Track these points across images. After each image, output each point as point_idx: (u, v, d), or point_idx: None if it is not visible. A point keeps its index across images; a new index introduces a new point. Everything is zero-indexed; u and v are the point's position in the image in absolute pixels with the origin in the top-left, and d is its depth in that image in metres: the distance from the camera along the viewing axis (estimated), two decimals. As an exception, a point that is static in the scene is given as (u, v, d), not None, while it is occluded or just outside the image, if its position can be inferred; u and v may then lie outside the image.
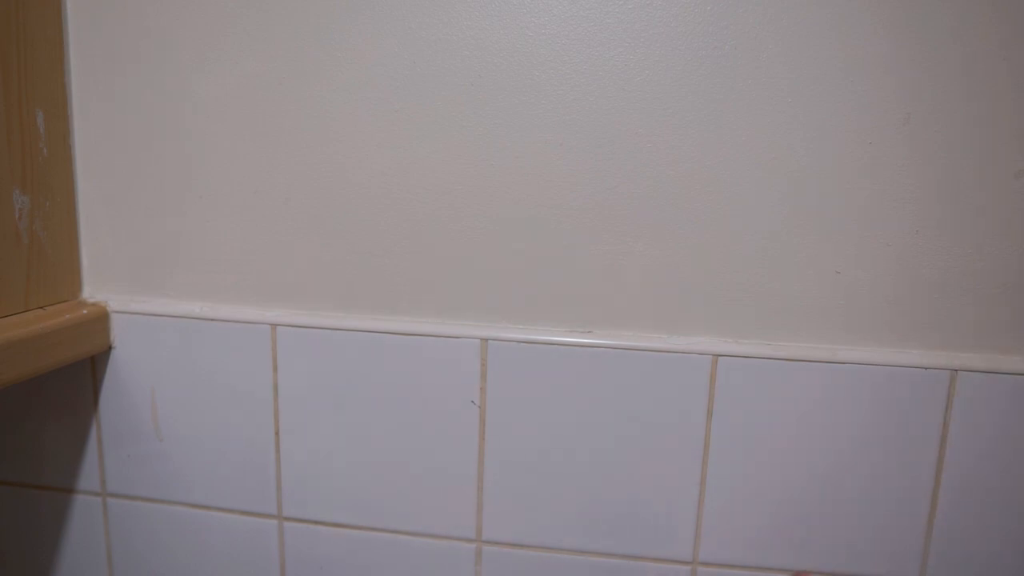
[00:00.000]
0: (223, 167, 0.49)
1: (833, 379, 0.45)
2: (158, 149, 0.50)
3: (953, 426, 0.44)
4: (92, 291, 0.53)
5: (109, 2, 0.48)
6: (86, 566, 0.57)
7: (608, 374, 0.47)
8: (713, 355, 0.46)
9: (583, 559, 0.49)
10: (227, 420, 0.51)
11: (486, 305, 0.48)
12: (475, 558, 0.50)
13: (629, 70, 0.44)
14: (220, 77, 0.48)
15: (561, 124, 0.45)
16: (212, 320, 0.50)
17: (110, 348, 0.52)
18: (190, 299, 0.51)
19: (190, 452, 0.53)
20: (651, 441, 0.47)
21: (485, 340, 0.47)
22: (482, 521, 0.50)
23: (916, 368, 0.44)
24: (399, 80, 0.46)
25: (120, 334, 0.52)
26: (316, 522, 0.52)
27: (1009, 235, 0.43)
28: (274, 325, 0.50)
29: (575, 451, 0.48)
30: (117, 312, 0.51)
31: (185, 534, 0.54)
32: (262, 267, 0.50)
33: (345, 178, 0.48)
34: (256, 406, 0.51)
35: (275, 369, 0.50)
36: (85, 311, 0.50)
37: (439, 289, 0.48)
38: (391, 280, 0.49)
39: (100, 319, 0.50)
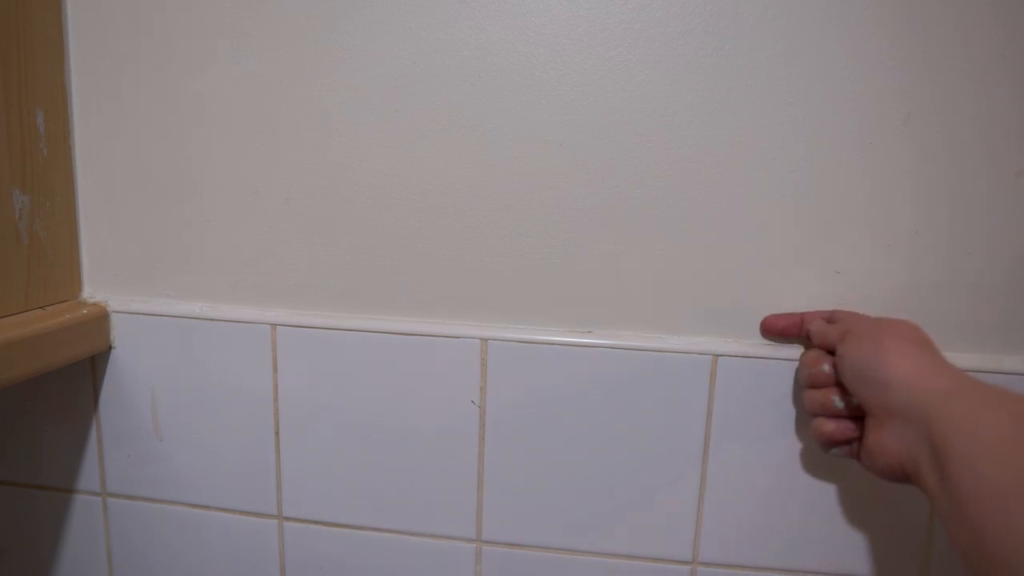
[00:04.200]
0: (223, 167, 0.49)
1: (833, 379, 0.45)
2: (158, 149, 0.50)
3: (953, 426, 0.44)
4: (92, 291, 0.53)
5: (109, 2, 0.48)
6: (86, 566, 0.57)
7: (608, 374, 0.47)
8: (713, 355, 0.46)
9: (583, 559, 0.49)
10: (227, 420, 0.51)
11: (486, 305, 0.48)
12: (475, 558, 0.50)
13: (629, 70, 0.44)
14: (220, 77, 0.48)
15: (561, 124, 0.45)
16: (212, 320, 0.50)
17: (110, 348, 0.52)
18: (190, 299, 0.51)
19: (190, 452, 0.53)
20: (651, 441, 0.47)
21: (485, 340, 0.47)
22: (482, 521, 0.50)
23: (916, 368, 0.44)
24: (399, 80, 0.46)
25: (120, 334, 0.52)
26: (316, 522, 0.52)
27: (1009, 235, 0.43)
28: (274, 325, 0.50)
29: (575, 451, 0.48)
30: (117, 312, 0.51)
31: (185, 534, 0.54)
32: (262, 267, 0.50)
33: (345, 178, 0.48)
34: (256, 406, 0.51)
35: (275, 369, 0.50)
36: (85, 311, 0.50)
37: (439, 289, 0.48)
38: (391, 280, 0.49)
39: (100, 319, 0.50)
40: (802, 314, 0.44)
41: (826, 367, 0.39)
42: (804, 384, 0.42)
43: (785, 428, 0.46)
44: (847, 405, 0.39)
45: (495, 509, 0.49)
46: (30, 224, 0.46)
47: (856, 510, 0.46)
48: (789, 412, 0.46)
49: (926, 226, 0.43)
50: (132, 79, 0.49)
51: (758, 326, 0.46)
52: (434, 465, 0.50)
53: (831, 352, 0.40)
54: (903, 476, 0.34)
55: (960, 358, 0.44)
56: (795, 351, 0.45)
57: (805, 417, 0.45)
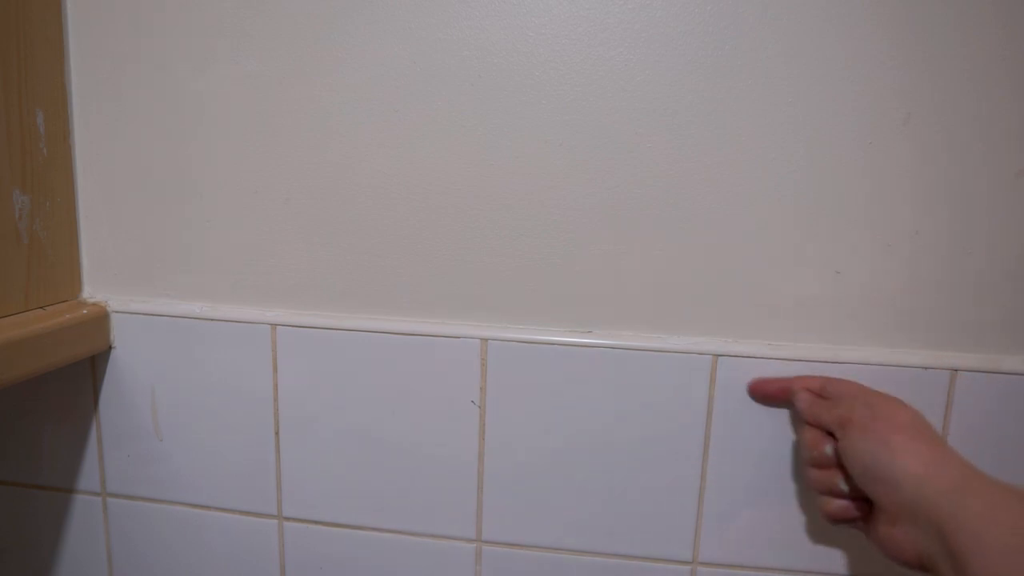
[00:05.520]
0: (223, 167, 0.49)
1: (833, 379, 0.45)
2: (158, 149, 0.50)
3: (952, 426, 0.44)
4: (92, 291, 0.53)
5: (109, 2, 0.48)
6: (86, 566, 0.57)
7: (608, 374, 0.47)
8: (713, 355, 0.46)
9: (583, 559, 0.49)
10: (227, 420, 0.51)
11: (486, 305, 0.48)
12: (475, 558, 0.50)
13: (629, 70, 0.44)
14: (220, 77, 0.48)
15: (561, 124, 0.45)
16: (212, 320, 0.50)
17: (110, 348, 0.52)
18: (190, 299, 0.51)
19: (190, 452, 0.53)
20: (651, 441, 0.47)
21: (485, 340, 0.47)
22: (482, 521, 0.50)
23: (916, 368, 0.44)
24: (399, 80, 0.46)
25: (120, 334, 0.52)
26: (316, 522, 0.52)
27: (1009, 235, 0.43)
28: (274, 325, 0.50)
29: (575, 451, 0.48)
30: (117, 312, 0.51)
31: (185, 534, 0.54)
32: (262, 267, 0.50)
33: (345, 178, 0.48)
34: (256, 406, 0.51)
35: (275, 369, 0.50)
36: (85, 311, 0.50)
37: (439, 289, 0.48)
38: (391, 280, 0.49)
39: (100, 319, 0.50)
40: (791, 380, 0.43)
41: (828, 449, 0.39)
42: (807, 463, 0.41)
43: (785, 428, 0.46)
44: (852, 488, 0.38)
45: (495, 509, 0.49)
46: (30, 224, 0.46)
47: (856, 510, 0.46)
48: (789, 412, 0.46)
49: (926, 226, 0.43)
50: (132, 79, 0.49)
51: (758, 326, 0.46)
52: (434, 465, 0.50)
53: (825, 433, 0.40)
54: (918, 568, 0.34)
55: (960, 358, 0.44)
56: (794, 351, 0.45)
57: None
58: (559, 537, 0.49)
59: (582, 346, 0.47)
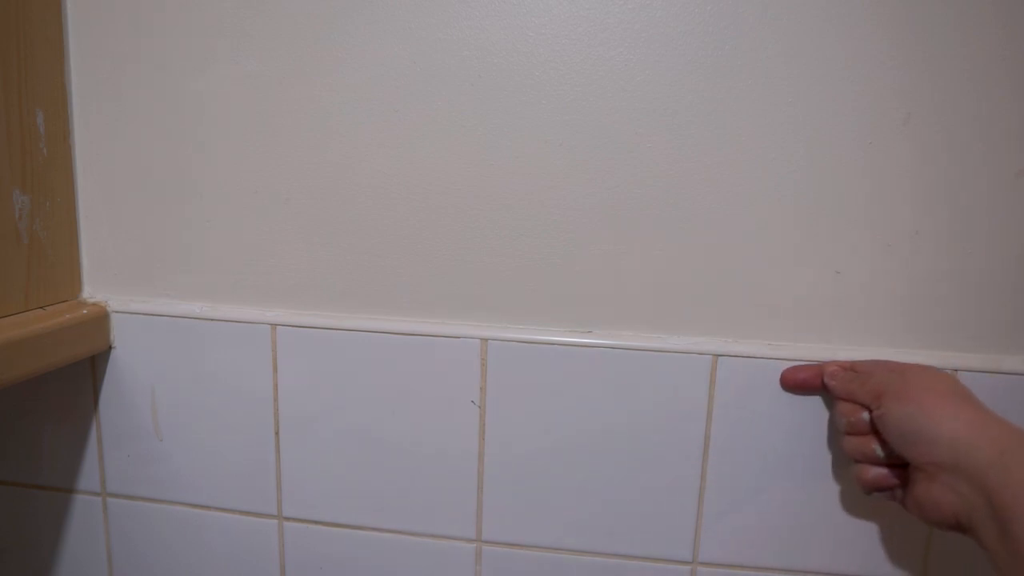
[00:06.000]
0: (223, 167, 0.49)
1: (833, 379, 0.45)
2: (158, 149, 0.50)
3: (953, 426, 0.44)
4: (92, 291, 0.53)
5: (109, 2, 0.48)
6: (86, 566, 0.57)
7: (608, 374, 0.47)
8: (713, 355, 0.46)
9: (583, 559, 0.49)
10: (227, 420, 0.51)
11: (486, 305, 0.48)
12: (475, 558, 0.50)
13: (629, 70, 0.44)
14: (220, 77, 0.48)
15: (561, 124, 0.45)
16: (212, 320, 0.50)
17: (110, 348, 0.52)
18: (190, 299, 0.51)
19: (190, 452, 0.53)
20: (651, 441, 0.47)
21: (485, 340, 0.47)
22: (482, 521, 0.50)
23: (916, 368, 0.44)
24: (399, 80, 0.46)
25: (120, 334, 0.52)
26: (316, 522, 0.52)
27: (1009, 235, 0.43)
28: (274, 325, 0.50)
29: (575, 451, 0.48)
30: (117, 312, 0.51)
31: (185, 534, 0.54)
32: (262, 267, 0.50)
33: (345, 178, 0.48)
34: (256, 406, 0.51)
35: (275, 369, 0.50)
36: (85, 311, 0.50)
37: (439, 289, 0.48)
38: (391, 280, 0.49)
39: (100, 319, 0.50)
40: (821, 365, 0.44)
41: (865, 415, 0.39)
42: (842, 431, 0.42)
43: (785, 428, 0.46)
44: (888, 454, 0.39)
45: (495, 509, 0.49)
46: (30, 224, 0.46)
47: (856, 509, 0.46)
48: (788, 412, 0.46)
49: (926, 226, 0.43)
50: (132, 79, 0.49)
51: (758, 326, 0.46)
52: (434, 465, 0.50)
53: (860, 405, 0.40)
54: (955, 527, 0.34)
55: (960, 358, 0.44)
56: (794, 351, 0.45)
57: (807, 416, 0.45)
58: (559, 537, 0.49)
59: (582, 346, 0.47)
